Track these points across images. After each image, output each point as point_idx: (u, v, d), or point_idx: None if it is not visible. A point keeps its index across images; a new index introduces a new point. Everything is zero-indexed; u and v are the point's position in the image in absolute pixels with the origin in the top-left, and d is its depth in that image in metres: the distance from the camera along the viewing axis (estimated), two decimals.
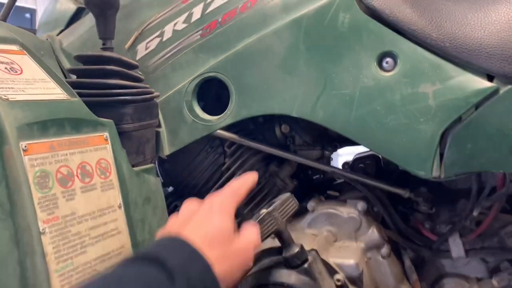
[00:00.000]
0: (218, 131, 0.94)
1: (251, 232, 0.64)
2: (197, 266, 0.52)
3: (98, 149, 0.74)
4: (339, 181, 1.18)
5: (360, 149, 1.25)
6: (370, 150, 0.98)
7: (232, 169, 0.99)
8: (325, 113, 0.83)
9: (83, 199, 0.69)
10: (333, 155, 1.15)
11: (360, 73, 0.81)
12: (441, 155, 0.78)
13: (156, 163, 1.11)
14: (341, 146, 1.04)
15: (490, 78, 0.75)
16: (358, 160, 1.18)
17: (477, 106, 0.75)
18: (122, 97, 0.79)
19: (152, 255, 0.52)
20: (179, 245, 0.55)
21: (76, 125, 0.71)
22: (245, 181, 0.69)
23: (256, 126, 1.08)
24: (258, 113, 0.87)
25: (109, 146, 0.77)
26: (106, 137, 0.76)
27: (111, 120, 0.78)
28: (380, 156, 1.02)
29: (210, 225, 0.60)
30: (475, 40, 0.74)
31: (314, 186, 1.16)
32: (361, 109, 0.81)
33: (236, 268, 0.59)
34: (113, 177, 0.76)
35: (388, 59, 0.80)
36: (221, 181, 1.00)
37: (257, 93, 0.86)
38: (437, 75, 0.77)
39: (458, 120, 0.76)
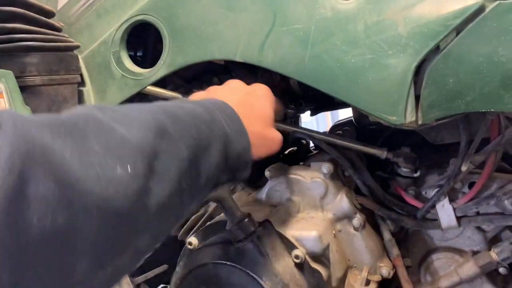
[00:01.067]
0: (153, 88, 0.79)
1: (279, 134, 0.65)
2: (242, 141, 0.53)
3: None
4: (313, 153, 1.03)
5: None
6: (339, 101, 0.83)
7: None
8: (275, 55, 0.68)
9: None
10: None
11: (316, 3, 0.66)
12: (417, 97, 0.63)
13: None
14: (306, 104, 0.89)
15: None
16: (335, 127, 1.03)
17: (458, 30, 0.59)
18: (22, 43, 0.65)
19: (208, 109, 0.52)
20: (230, 113, 0.54)
21: None
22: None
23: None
24: (196, 60, 0.72)
25: (4, 101, 0.62)
26: None
27: (8, 71, 0.64)
28: (352, 113, 0.86)
29: (257, 103, 0.62)
30: None
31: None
32: (318, 47, 0.66)
33: (265, 148, 0.61)
34: None
35: None
36: None
37: (194, 36, 0.71)
38: None
39: (435, 50, 0.61)
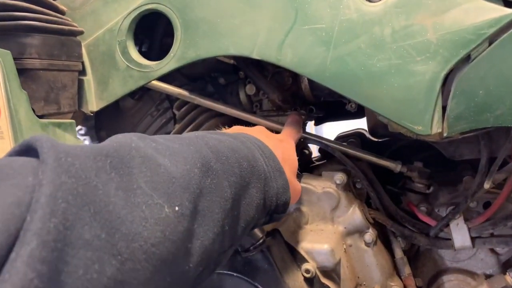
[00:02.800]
0: (162, 84, 0.75)
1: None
2: (279, 180, 0.50)
3: None
4: (316, 163, 0.99)
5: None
6: (352, 110, 0.79)
7: None
8: (295, 54, 0.64)
9: None
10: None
11: (340, 3, 0.63)
12: (443, 107, 0.60)
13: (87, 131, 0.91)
14: (318, 111, 0.85)
15: (508, 3, 0.57)
16: (340, 138, 0.99)
17: (491, 40, 0.57)
18: (24, 22, 0.60)
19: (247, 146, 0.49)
20: (267, 152, 0.52)
21: None
22: (298, 120, 0.72)
23: (216, 89, 0.89)
24: (208, 55, 0.67)
25: None
26: None
27: (6, 50, 0.58)
28: (366, 122, 0.83)
29: (285, 149, 0.59)
30: None
31: None
32: (341, 48, 0.62)
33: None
34: (3, 123, 0.56)
35: None
36: None
37: (208, 29, 0.67)
38: (438, 2, 0.59)
39: (466, 59, 0.58)
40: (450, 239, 0.72)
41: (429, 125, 0.59)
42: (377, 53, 0.61)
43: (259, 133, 0.61)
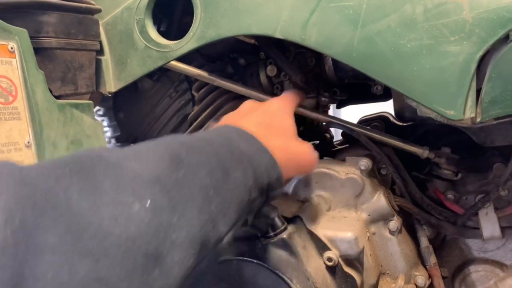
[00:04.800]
0: (181, 65, 0.72)
1: (311, 146, 0.60)
2: (264, 158, 0.50)
3: None
4: (340, 147, 0.96)
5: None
6: (377, 92, 0.76)
7: (201, 118, 0.77)
8: (320, 34, 0.61)
9: None
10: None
11: None
12: (477, 90, 0.56)
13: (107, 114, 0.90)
14: (341, 93, 0.82)
15: None
16: (363, 122, 0.96)
17: None
18: None
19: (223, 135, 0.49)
20: (246, 135, 0.51)
21: None
22: (298, 92, 0.70)
23: (236, 70, 0.86)
24: (229, 34, 0.65)
25: (16, 62, 0.55)
26: (11, 48, 0.55)
27: (22, 29, 0.57)
28: (393, 105, 0.79)
29: (273, 119, 0.59)
30: None
31: None
32: (369, 28, 0.59)
33: (294, 164, 0.56)
34: (20, 104, 0.55)
35: None
36: (186, 134, 0.78)
37: (229, 7, 0.64)
38: None
39: (504, 40, 0.54)
40: (478, 228, 0.69)
41: (462, 109, 0.56)
42: (408, 32, 0.57)
43: (244, 113, 0.61)
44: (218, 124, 0.59)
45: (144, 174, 0.35)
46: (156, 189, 0.34)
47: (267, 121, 0.58)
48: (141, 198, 0.33)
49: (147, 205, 0.33)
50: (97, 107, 0.96)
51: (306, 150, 0.59)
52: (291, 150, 0.57)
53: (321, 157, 0.87)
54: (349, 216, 0.66)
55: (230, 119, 0.60)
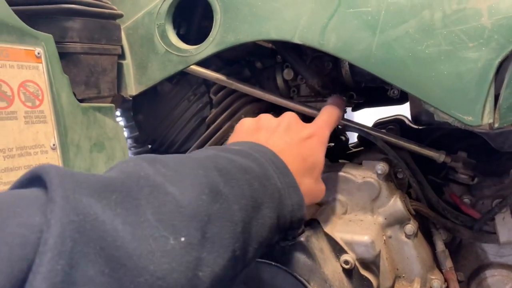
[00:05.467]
0: (200, 69, 0.74)
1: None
2: (294, 197, 0.48)
3: (23, 66, 0.54)
4: (355, 150, 0.97)
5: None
6: (394, 96, 0.76)
7: (218, 121, 0.79)
8: (339, 39, 0.62)
9: None
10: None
11: None
12: (496, 96, 0.57)
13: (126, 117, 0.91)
14: (358, 97, 0.82)
15: None
16: (378, 125, 0.96)
17: None
18: (65, 5, 0.59)
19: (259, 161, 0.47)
20: (282, 167, 0.49)
21: None
22: (341, 108, 0.68)
23: (253, 73, 0.87)
24: (248, 39, 0.66)
25: (42, 67, 0.57)
26: (38, 53, 0.56)
27: (48, 34, 0.58)
28: (410, 109, 0.80)
29: (310, 154, 0.56)
30: None
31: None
32: (387, 33, 0.59)
33: (308, 201, 0.54)
34: (46, 107, 0.57)
35: None
36: (203, 136, 0.79)
37: (248, 12, 0.65)
38: None
39: None
40: (494, 233, 0.69)
41: (480, 115, 0.56)
42: (426, 38, 0.58)
43: (284, 132, 0.57)
44: (253, 124, 0.58)
45: (185, 205, 0.34)
46: (193, 224, 0.34)
47: (305, 155, 0.55)
48: (177, 234, 0.33)
49: (182, 241, 0.33)
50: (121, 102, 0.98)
51: (323, 190, 0.58)
52: (314, 191, 0.56)
53: (336, 159, 0.88)
54: (365, 220, 0.67)
55: (267, 131, 0.57)
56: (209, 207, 0.36)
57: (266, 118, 0.60)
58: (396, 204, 0.66)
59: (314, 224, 0.61)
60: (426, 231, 0.73)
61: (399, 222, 0.67)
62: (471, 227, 0.70)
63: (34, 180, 0.30)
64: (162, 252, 0.31)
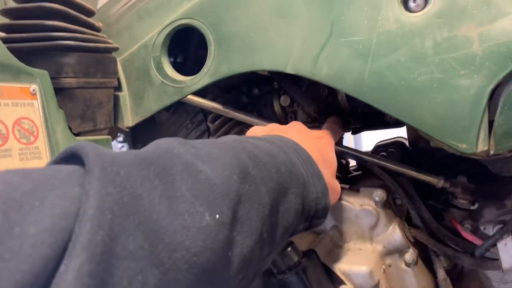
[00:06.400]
0: (196, 98, 0.74)
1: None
2: (318, 185, 0.48)
3: (18, 104, 0.55)
4: (354, 173, 0.96)
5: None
6: (391, 121, 0.76)
7: None
8: (331, 68, 0.62)
9: None
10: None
11: (378, 14, 0.60)
12: (490, 122, 0.56)
13: (126, 145, 0.92)
14: (354, 122, 0.82)
15: None
16: (379, 148, 0.96)
17: None
18: (61, 42, 0.60)
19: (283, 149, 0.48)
20: (305, 155, 0.50)
21: None
22: (339, 125, 0.71)
23: (250, 100, 0.88)
24: (242, 70, 0.66)
25: (37, 103, 0.58)
26: (33, 90, 0.57)
27: (43, 71, 0.59)
28: (407, 135, 0.79)
29: (324, 149, 0.58)
30: None
31: None
32: (379, 61, 0.60)
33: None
34: (41, 143, 0.57)
35: None
36: None
37: (241, 44, 0.66)
38: (485, 12, 0.55)
39: None
40: (497, 260, 0.68)
41: (475, 142, 0.56)
42: (418, 66, 0.58)
43: (297, 131, 0.59)
44: (264, 131, 0.59)
45: (218, 183, 0.34)
46: (225, 203, 0.34)
47: (320, 149, 0.57)
48: (212, 210, 0.32)
49: (217, 218, 0.32)
50: (118, 133, 0.98)
51: (339, 190, 0.58)
52: (333, 186, 0.55)
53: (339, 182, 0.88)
54: (364, 248, 0.66)
55: (281, 131, 0.58)
56: (240, 187, 0.36)
57: (275, 124, 0.62)
58: (394, 232, 0.66)
59: (311, 255, 0.61)
60: (426, 259, 0.72)
61: (399, 250, 0.66)
62: (473, 254, 0.69)
63: (69, 157, 0.30)
64: (197, 228, 0.31)
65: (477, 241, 0.70)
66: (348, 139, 3.65)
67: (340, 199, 0.69)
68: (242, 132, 0.80)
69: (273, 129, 0.60)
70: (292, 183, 0.44)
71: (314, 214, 0.48)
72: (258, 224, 0.37)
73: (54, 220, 0.24)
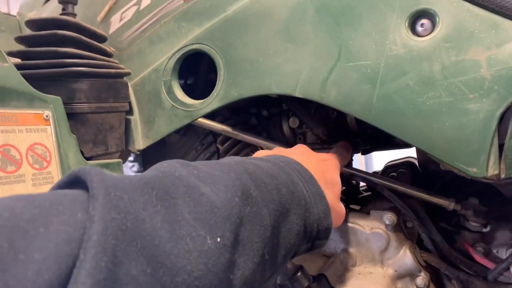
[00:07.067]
0: (206, 121, 0.75)
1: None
2: (320, 205, 0.49)
3: (32, 130, 0.56)
4: (364, 194, 0.96)
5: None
6: (400, 142, 0.76)
7: None
8: (339, 92, 0.62)
9: (1, 193, 0.51)
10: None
11: (386, 39, 0.61)
12: (500, 146, 0.56)
13: (136, 165, 0.93)
14: (364, 144, 0.82)
15: None
16: (389, 168, 0.96)
17: None
18: (73, 68, 0.62)
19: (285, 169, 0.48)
20: (307, 175, 0.50)
21: (0, 95, 0.54)
22: (348, 149, 0.72)
23: (259, 121, 0.88)
24: (251, 94, 0.67)
25: (50, 129, 0.59)
26: (46, 116, 0.58)
27: (56, 97, 0.60)
28: (416, 157, 0.79)
29: (327, 171, 0.58)
30: None
31: None
32: (388, 86, 0.60)
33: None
34: (54, 168, 0.58)
35: (424, 21, 0.60)
36: None
37: (250, 68, 0.67)
38: (492, 36, 0.55)
39: None
40: (511, 284, 0.67)
41: (485, 166, 0.56)
42: (427, 90, 0.58)
43: (301, 154, 0.59)
44: (280, 152, 0.59)
45: (220, 206, 0.35)
46: (227, 226, 0.34)
47: (323, 170, 0.57)
48: (213, 234, 0.32)
49: (218, 241, 0.33)
50: (129, 156, 1.00)
51: (343, 213, 0.58)
52: (336, 208, 0.55)
53: (347, 203, 0.88)
54: (375, 272, 0.65)
55: (285, 153, 0.58)
56: (241, 209, 0.36)
57: (280, 148, 0.63)
58: (405, 255, 0.65)
59: (321, 279, 0.60)
60: (438, 283, 0.71)
61: (410, 274, 0.65)
62: (486, 278, 0.68)
63: (73, 182, 0.31)
64: (199, 252, 0.31)
65: (489, 264, 0.69)
66: (359, 158, 3.64)
67: (350, 222, 0.69)
68: (251, 154, 0.81)
69: (278, 152, 0.60)
70: (293, 204, 0.44)
71: (317, 235, 0.48)
72: (260, 246, 0.38)
73: (59, 246, 0.25)
